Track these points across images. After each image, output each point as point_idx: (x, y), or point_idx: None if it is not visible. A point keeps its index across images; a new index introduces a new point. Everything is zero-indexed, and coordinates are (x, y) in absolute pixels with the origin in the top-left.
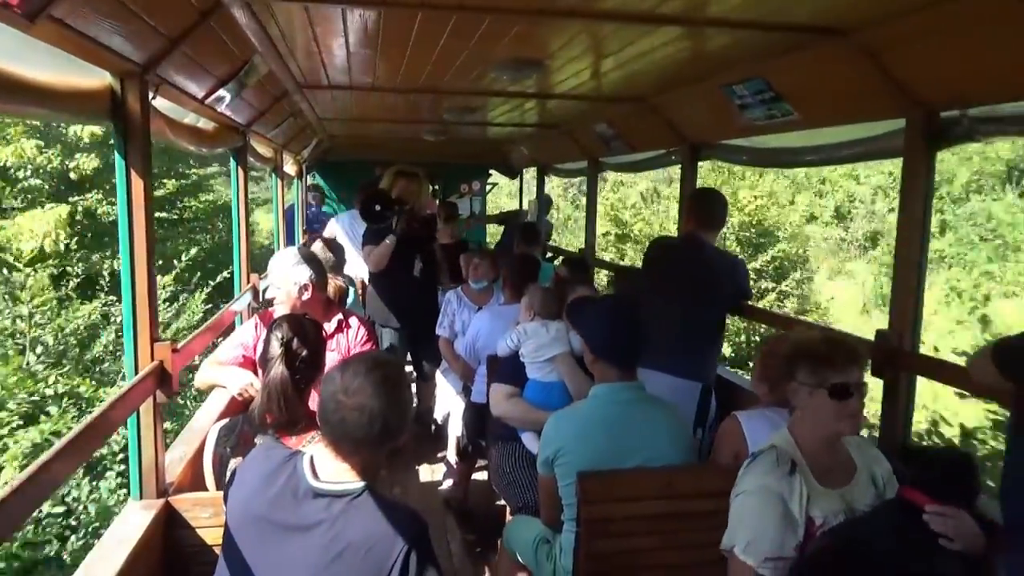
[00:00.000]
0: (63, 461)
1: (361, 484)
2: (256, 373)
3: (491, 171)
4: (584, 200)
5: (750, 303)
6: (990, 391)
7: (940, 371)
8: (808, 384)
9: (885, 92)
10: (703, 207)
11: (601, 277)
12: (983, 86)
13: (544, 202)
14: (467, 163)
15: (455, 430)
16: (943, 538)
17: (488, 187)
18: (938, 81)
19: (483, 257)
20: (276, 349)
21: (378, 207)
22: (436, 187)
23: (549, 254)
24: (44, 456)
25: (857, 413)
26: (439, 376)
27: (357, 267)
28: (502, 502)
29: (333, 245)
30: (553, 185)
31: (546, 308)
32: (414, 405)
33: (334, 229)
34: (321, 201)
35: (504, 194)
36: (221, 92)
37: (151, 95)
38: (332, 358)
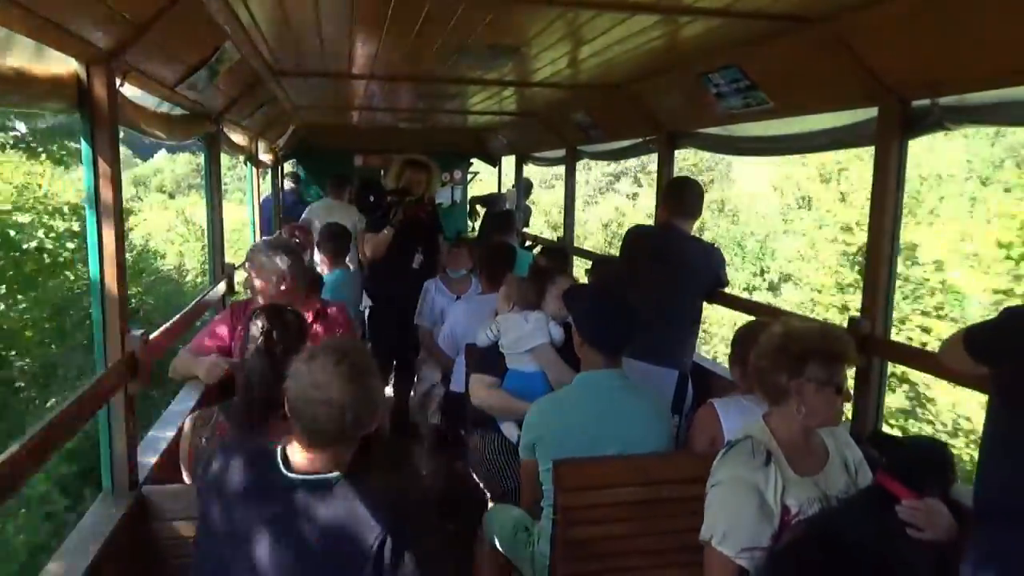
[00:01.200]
0: (31, 456)
1: (336, 474)
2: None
3: (472, 160)
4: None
5: (726, 291)
6: (961, 377)
7: (912, 358)
8: (818, 381)
9: (857, 81)
10: (678, 196)
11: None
12: (954, 75)
13: (523, 186)
14: (448, 152)
15: (433, 420)
16: (912, 527)
17: (471, 176)
18: (909, 70)
19: (460, 246)
20: (257, 337)
21: (371, 196)
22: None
23: (529, 242)
24: (8, 451)
25: (842, 405)
26: (419, 362)
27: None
28: (483, 490)
29: (300, 232)
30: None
31: (524, 298)
32: (387, 396)
33: (311, 217)
34: (299, 192)
35: (493, 184)
36: (192, 79)
37: (119, 82)
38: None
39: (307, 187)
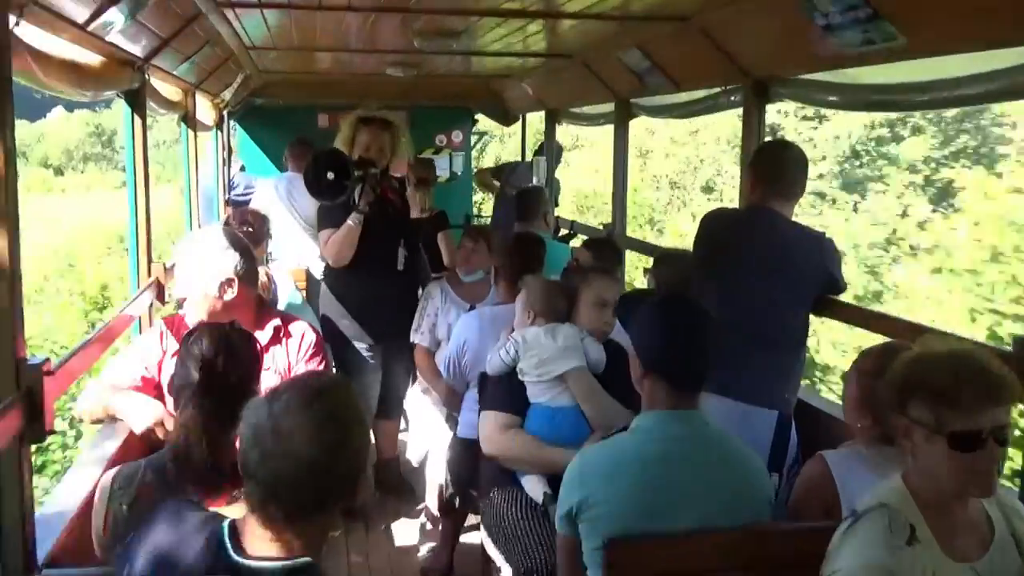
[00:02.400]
0: None
1: (304, 561)
2: (163, 402)
3: (477, 117)
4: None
5: (843, 298)
6: None
7: None
8: (924, 425)
9: None
10: (775, 167)
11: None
12: None
13: (554, 153)
14: (445, 106)
15: (436, 475)
16: None
17: (475, 138)
18: None
19: (478, 238)
20: (193, 373)
21: (331, 174)
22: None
23: (564, 230)
24: None
25: (991, 471)
26: (415, 400)
27: (302, 252)
28: (501, 569)
29: (254, 218)
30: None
31: (550, 307)
32: (371, 447)
33: (265, 198)
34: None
35: (507, 152)
36: (110, 14)
37: (12, 21)
38: (269, 381)
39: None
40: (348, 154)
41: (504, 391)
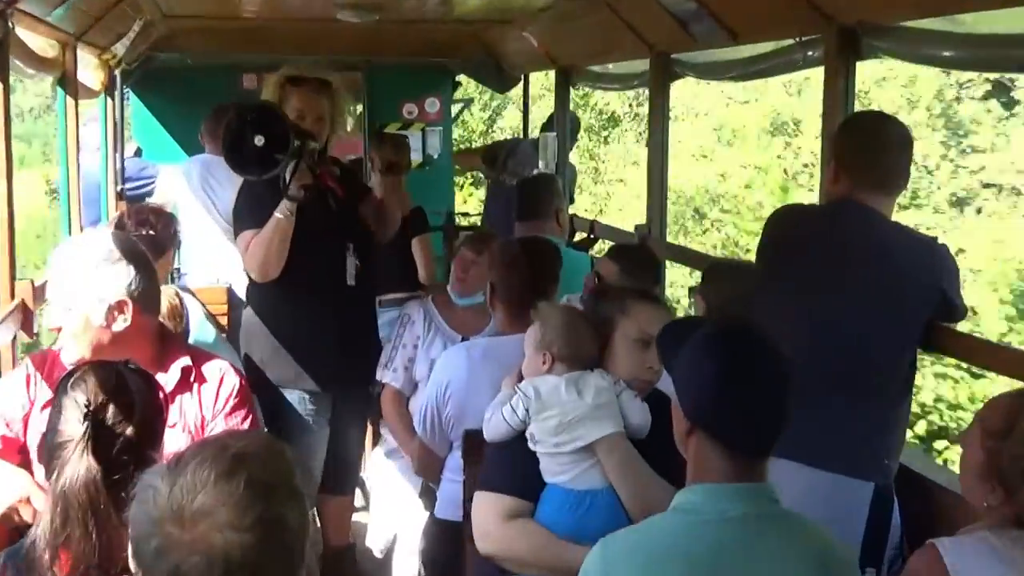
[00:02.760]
0: None
1: None
2: (31, 471)
3: (460, 78)
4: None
5: (960, 327)
6: None
7: None
8: None
9: None
10: (868, 149)
11: (676, 277)
12: None
13: (568, 127)
14: (417, 64)
15: (406, 571)
16: None
17: (458, 106)
18: None
19: (483, 248)
20: (75, 428)
21: (259, 139)
22: (358, 109)
23: (582, 233)
24: None
25: None
26: (376, 467)
27: (222, 264)
28: None
29: (156, 218)
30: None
31: (576, 349)
32: (316, 532)
33: (172, 190)
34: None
35: (509, 126)
36: None
37: None
38: (175, 443)
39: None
40: None
41: (508, 465)
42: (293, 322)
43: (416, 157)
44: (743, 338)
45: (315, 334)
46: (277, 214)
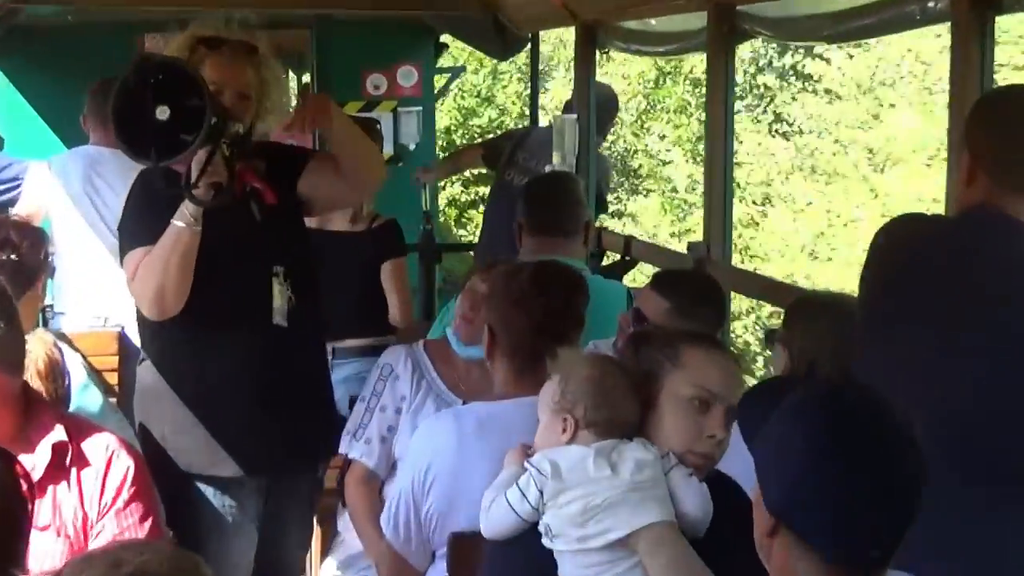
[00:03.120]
0: None
1: None
2: None
3: (445, 39)
4: None
5: None
6: None
7: None
8: None
9: None
10: (1009, 141)
11: (740, 309)
12: None
13: (602, 107)
14: (384, 20)
15: None
16: None
17: (443, 77)
18: None
19: (489, 275)
20: None
21: (163, 110)
22: (304, 80)
23: (613, 254)
24: None
25: None
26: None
27: (112, 298)
28: None
29: (20, 235)
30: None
31: (608, 408)
32: None
33: (44, 196)
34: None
35: (516, 110)
36: None
37: None
38: (47, 549)
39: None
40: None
41: (516, 571)
42: (203, 380)
43: (385, 148)
44: (850, 404)
45: (235, 398)
46: (176, 222)
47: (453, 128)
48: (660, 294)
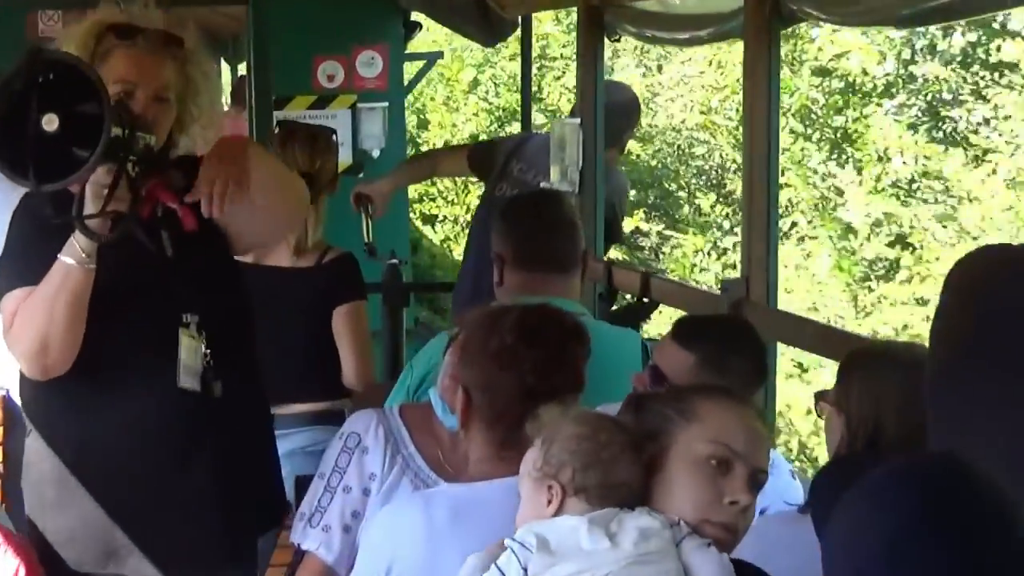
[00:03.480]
0: None
1: None
2: None
3: (416, 17)
4: None
5: None
6: None
7: None
8: None
9: None
10: None
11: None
12: None
13: (619, 112)
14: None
15: None
16: None
17: (416, 65)
18: None
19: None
20: None
21: (51, 120)
22: (239, 71)
23: (626, 294)
24: None
25: None
26: None
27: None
28: None
29: None
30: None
31: (601, 471)
32: None
33: None
34: None
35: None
36: None
37: None
38: None
39: None
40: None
41: None
42: (90, 457)
43: (341, 155)
44: (943, 483)
45: (130, 479)
46: (64, 258)
47: (432, 126)
48: (683, 346)
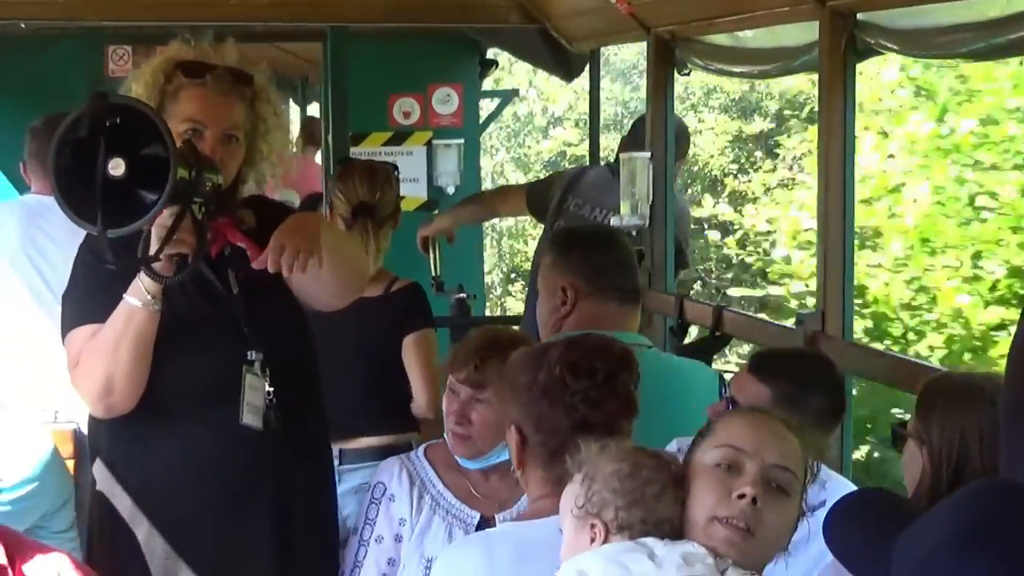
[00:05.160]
0: None
1: None
2: None
3: (492, 55)
4: None
5: None
6: None
7: None
8: None
9: None
10: None
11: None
12: None
13: (674, 141)
14: (416, 31)
15: None
16: None
17: (492, 104)
18: None
19: (482, 373)
20: None
21: (117, 162)
22: (311, 112)
23: (699, 326)
24: None
25: None
26: None
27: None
28: None
29: None
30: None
31: (644, 507)
32: None
33: None
34: None
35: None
36: None
37: None
38: None
39: None
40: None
41: None
42: (162, 494)
43: (416, 191)
44: (994, 502)
45: (198, 517)
46: (130, 299)
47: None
48: (760, 379)
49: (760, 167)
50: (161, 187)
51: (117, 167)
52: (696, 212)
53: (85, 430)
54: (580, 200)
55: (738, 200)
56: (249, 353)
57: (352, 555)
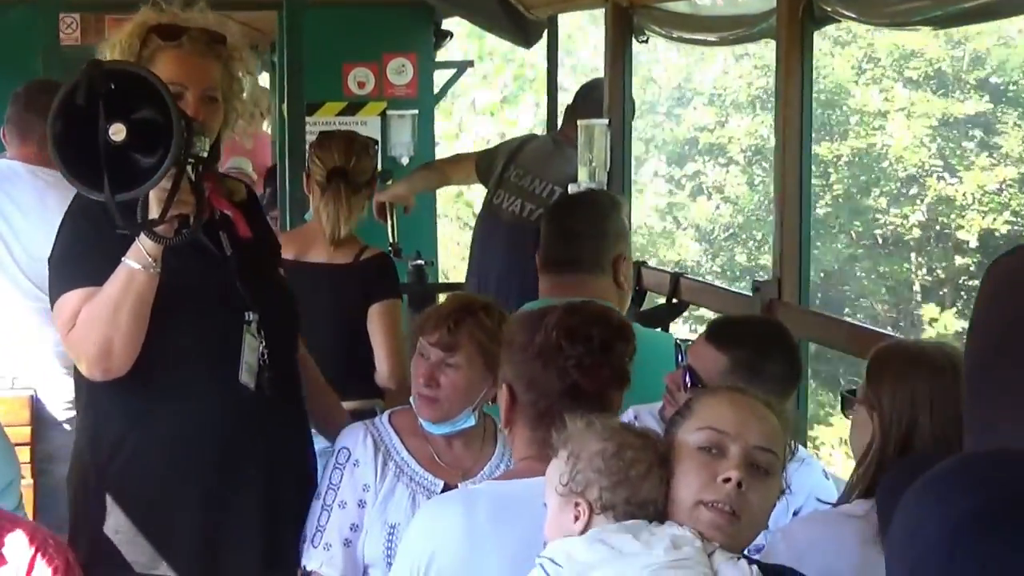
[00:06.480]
0: None
1: None
2: None
3: (446, 26)
4: None
5: None
6: None
7: None
8: None
9: None
10: None
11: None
12: None
13: (632, 110)
14: (369, 2)
15: None
16: None
17: (447, 73)
18: None
19: (455, 336)
20: None
21: (118, 127)
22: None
23: (656, 295)
24: None
25: None
26: None
27: (26, 354)
28: None
29: None
30: None
31: (629, 487)
32: None
33: None
34: None
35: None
36: None
37: None
38: None
39: None
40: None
41: None
42: (148, 461)
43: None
44: (1006, 479)
45: (189, 482)
46: (130, 263)
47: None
48: (717, 347)
49: None
50: (154, 150)
51: (119, 132)
52: None
53: (43, 396)
54: (521, 171)
55: None
56: (247, 314)
57: (315, 519)
